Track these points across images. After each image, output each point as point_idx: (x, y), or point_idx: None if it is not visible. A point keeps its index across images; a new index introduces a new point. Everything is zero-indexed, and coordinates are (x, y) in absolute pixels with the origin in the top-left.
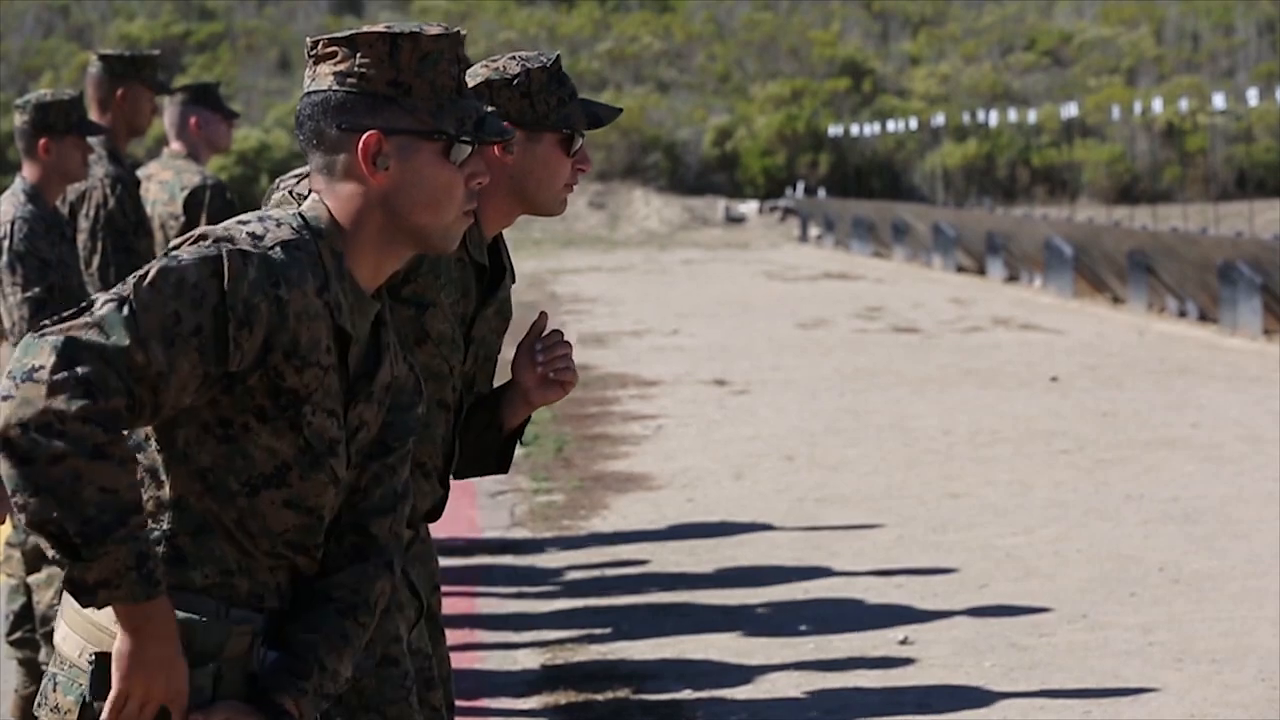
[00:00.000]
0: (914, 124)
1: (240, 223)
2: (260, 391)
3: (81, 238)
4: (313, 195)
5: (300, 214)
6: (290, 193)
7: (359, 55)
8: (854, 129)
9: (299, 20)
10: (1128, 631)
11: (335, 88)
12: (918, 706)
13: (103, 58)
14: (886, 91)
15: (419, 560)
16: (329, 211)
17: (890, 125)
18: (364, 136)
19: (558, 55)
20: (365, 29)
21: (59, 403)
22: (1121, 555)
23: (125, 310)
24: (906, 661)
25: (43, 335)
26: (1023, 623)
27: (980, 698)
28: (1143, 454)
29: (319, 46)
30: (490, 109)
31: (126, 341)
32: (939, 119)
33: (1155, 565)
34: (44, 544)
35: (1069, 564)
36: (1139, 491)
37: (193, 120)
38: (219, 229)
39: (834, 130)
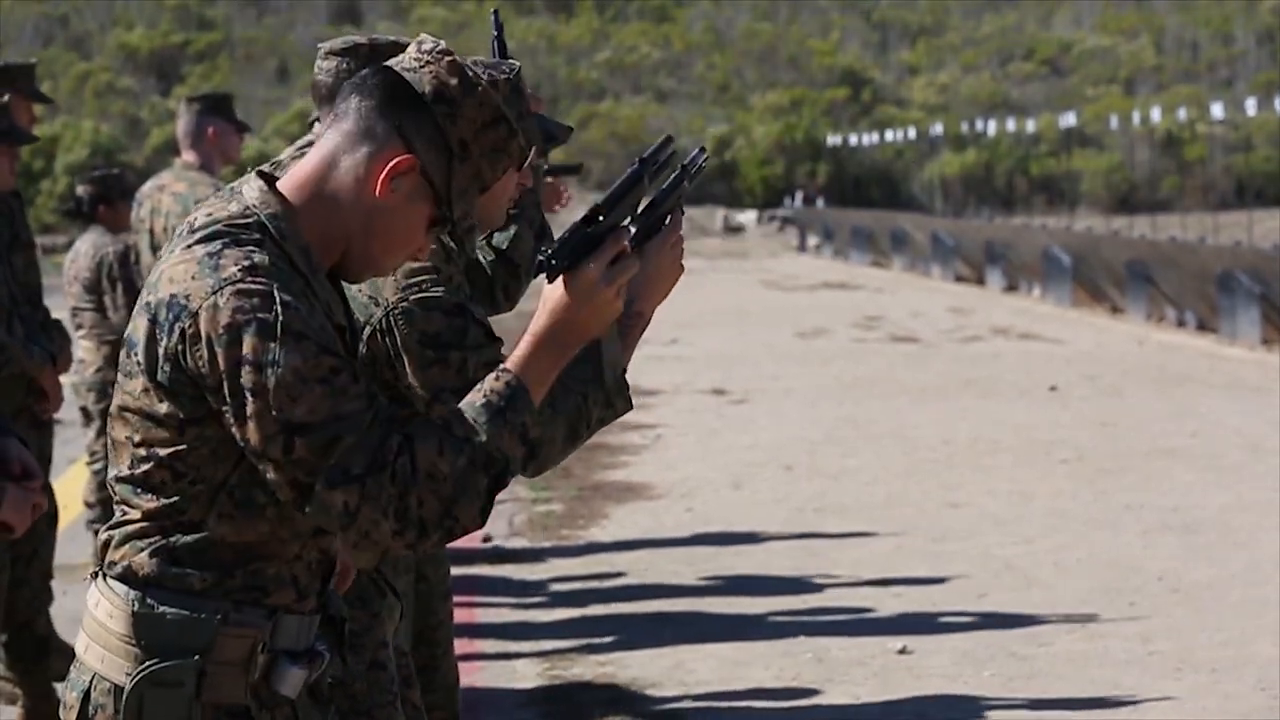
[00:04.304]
0: (913, 133)
1: (214, 255)
2: None
3: None
4: (259, 185)
5: (259, 221)
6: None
7: (467, 100)
8: (853, 138)
9: (298, 30)
10: (1127, 641)
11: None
12: (917, 716)
13: None
14: (885, 101)
15: (431, 563)
16: (278, 201)
17: (889, 135)
18: (403, 155)
19: (518, 69)
20: (485, 91)
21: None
22: (1121, 565)
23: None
24: (905, 671)
25: None
26: (1022, 632)
27: (979, 708)
28: (1142, 463)
29: (444, 57)
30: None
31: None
32: (938, 128)
33: (1155, 574)
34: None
35: (1068, 573)
36: (1138, 501)
37: (210, 130)
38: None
39: (833, 140)
